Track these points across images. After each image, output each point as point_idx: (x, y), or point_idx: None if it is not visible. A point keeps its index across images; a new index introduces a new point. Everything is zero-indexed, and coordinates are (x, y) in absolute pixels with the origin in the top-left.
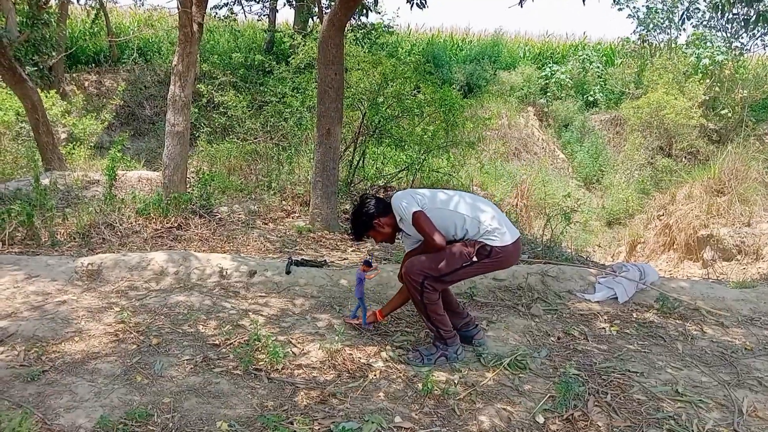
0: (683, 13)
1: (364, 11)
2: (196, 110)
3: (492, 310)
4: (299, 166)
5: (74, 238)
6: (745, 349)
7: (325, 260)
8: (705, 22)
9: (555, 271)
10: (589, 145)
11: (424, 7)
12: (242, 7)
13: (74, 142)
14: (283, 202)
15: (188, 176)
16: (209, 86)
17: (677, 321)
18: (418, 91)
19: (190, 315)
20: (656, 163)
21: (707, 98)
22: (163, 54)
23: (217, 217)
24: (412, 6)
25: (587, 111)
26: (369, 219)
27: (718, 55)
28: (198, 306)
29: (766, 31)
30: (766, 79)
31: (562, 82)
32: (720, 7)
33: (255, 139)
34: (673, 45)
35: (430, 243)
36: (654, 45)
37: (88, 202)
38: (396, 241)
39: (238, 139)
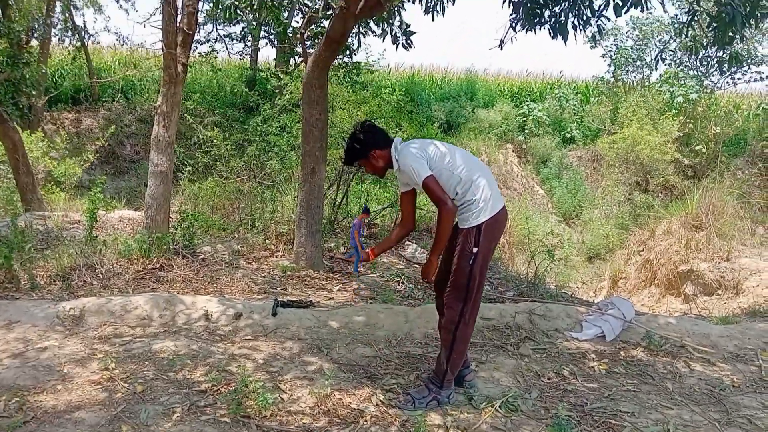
0: (657, 54)
1: (348, 52)
2: (182, 150)
3: (481, 350)
4: (283, 205)
5: (55, 281)
6: (733, 385)
7: (311, 300)
8: (677, 61)
9: (542, 309)
10: (568, 181)
11: (410, 48)
12: (225, 45)
13: (54, 183)
14: (267, 240)
15: (171, 216)
16: (193, 124)
17: (665, 358)
18: (400, 129)
19: (175, 361)
20: (634, 199)
21: (681, 134)
22: (144, 92)
23: (200, 257)
24: (397, 47)
25: (565, 147)
26: (365, 147)
27: (691, 93)
28: (184, 351)
29: (736, 69)
30: (737, 115)
31: (540, 120)
32: (694, 50)
33: (238, 177)
34: (646, 83)
35: (442, 209)
36: (627, 83)
37: (68, 243)
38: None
39: (221, 177)
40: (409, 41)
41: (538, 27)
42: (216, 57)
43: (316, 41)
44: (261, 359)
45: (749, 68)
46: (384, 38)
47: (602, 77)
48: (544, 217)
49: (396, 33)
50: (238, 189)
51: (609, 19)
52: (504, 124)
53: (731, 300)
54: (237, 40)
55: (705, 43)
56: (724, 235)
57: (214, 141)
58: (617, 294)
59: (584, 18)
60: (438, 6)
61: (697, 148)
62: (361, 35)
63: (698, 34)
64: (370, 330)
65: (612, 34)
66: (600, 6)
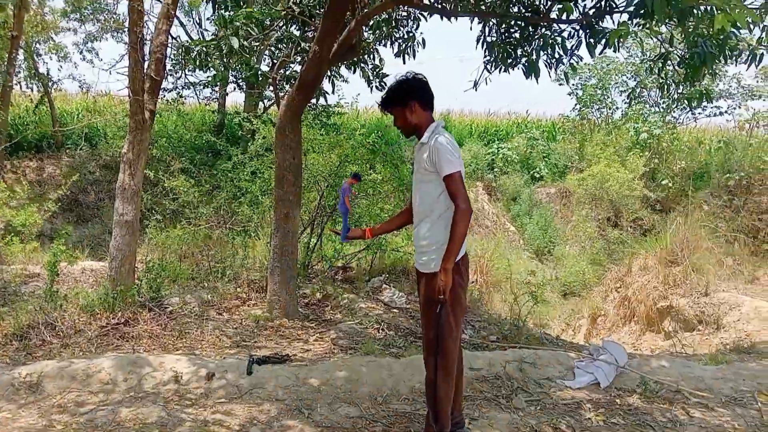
0: (630, 93)
1: (322, 96)
2: (148, 197)
3: (472, 404)
4: (254, 251)
5: (11, 341)
6: None
7: (287, 354)
8: (638, 99)
9: (532, 357)
10: (538, 218)
11: (383, 89)
12: (194, 90)
13: (13, 234)
14: (238, 289)
15: (136, 266)
16: (158, 172)
17: (662, 405)
18: (374, 171)
19: (143, 431)
20: (608, 235)
21: (648, 170)
22: (108, 139)
23: (167, 309)
24: (372, 89)
25: (534, 184)
26: (409, 95)
27: (655, 129)
28: (152, 419)
29: (706, 105)
30: (700, 149)
31: (509, 158)
32: (665, 87)
33: (208, 224)
34: (610, 120)
35: (462, 208)
36: (593, 121)
37: (27, 299)
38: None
39: (189, 224)
40: (382, 82)
41: (511, 67)
42: (183, 103)
43: (287, 86)
44: (236, 425)
45: (710, 103)
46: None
47: (568, 115)
48: (517, 254)
49: (369, 75)
50: (207, 236)
51: (581, 58)
52: (474, 162)
53: (712, 336)
54: (204, 85)
55: (677, 81)
56: (699, 270)
57: (182, 188)
58: (597, 331)
59: (557, 57)
60: (408, 49)
61: (664, 182)
62: (334, 78)
63: (671, 71)
64: (353, 386)
65: (577, 74)
66: (572, 46)
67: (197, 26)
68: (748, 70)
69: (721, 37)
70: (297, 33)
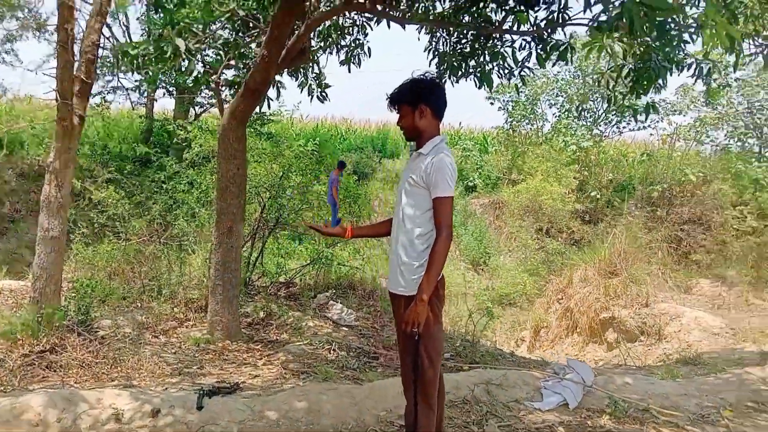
0: (579, 106)
1: (266, 102)
2: (73, 210)
3: None
4: (191, 268)
5: None
6: None
7: (237, 383)
8: (566, 113)
9: (498, 378)
10: (473, 228)
11: (325, 100)
12: (127, 94)
13: None
14: (175, 309)
15: (63, 286)
16: (83, 182)
17: (633, 425)
18: (318, 182)
19: None
20: (546, 246)
21: (577, 182)
22: (26, 146)
23: (98, 333)
24: (312, 99)
25: (468, 195)
26: (423, 96)
27: (583, 141)
28: None
29: (620, 119)
30: (624, 161)
31: None
32: (613, 99)
33: (139, 238)
34: (540, 133)
35: (445, 235)
36: (524, 134)
37: None
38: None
39: (119, 239)
40: (323, 93)
41: (463, 78)
42: (108, 108)
43: (229, 91)
44: None
45: (657, 114)
46: (302, 89)
47: (501, 127)
48: (455, 264)
49: (311, 85)
50: (139, 251)
51: (532, 70)
52: None
53: (655, 346)
54: (132, 90)
55: (624, 93)
56: (637, 281)
57: (110, 200)
58: (540, 343)
59: (508, 68)
60: (354, 58)
61: (592, 194)
62: (279, 85)
63: (621, 83)
64: (314, 418)
65: (507, 90)
66: (523, 57)
67: (124, 28)
68: (695, 83)
69: (668, 50)
70: (240, 36)
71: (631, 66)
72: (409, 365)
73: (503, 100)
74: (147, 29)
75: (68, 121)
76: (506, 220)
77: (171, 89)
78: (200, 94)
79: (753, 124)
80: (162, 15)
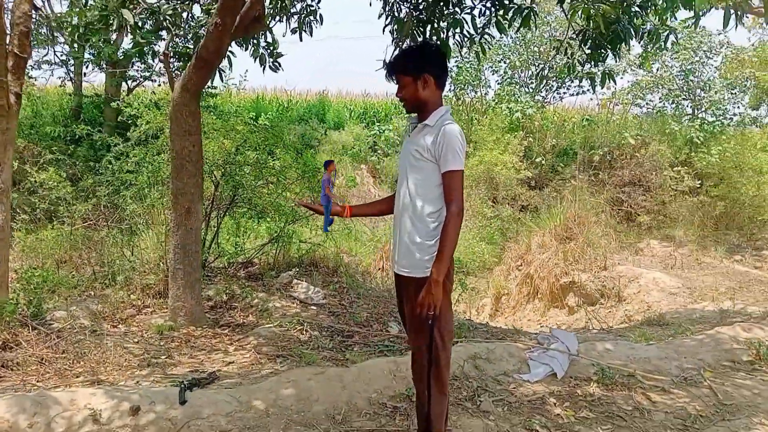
0: (538, 72)
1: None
2: (16, 195)
3: None
4: (145, 251)
5: None
6: (700, 415)
7: (214, 372)
8: (508, 79)
9: (484, 351)
10: None
11: (278, 70)
12: (65, 67)
13: None
14: (132, 296)
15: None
16: (25, 164)
17: (622, 392)
18: (273, 158)
19: None
20: (501, 214)
21: (522, 148)
22: None
23: (54, 326)
24: (264, 69)
25: None
26: (425, 65)
27: (527, 108)
28: None
29: (560, 84)
30: (565, 127)
31: (391, 140)
32: (572, 67)
33: (86, 223)
34: (484, 101)
35: (457, 211)
36: (468, 102)
37: None
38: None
39: (63, 224)
40: (276, 63)
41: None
42: (34, 85)
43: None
44: None
45: (613, 82)
46: (255, 59)
47: (446, 96)
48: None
49: (263, 54)
50: (87, 236)
51: (493, 37)
52: (357, 145)
53: (615, 308)
54: (59, 65)
55: (582, 62)
56: (593, 245)
57: (49, 183)
58: (502, 310)
59: (467, 35)
60: (305, 26)
61: (537, 160)
62: (231, 55)
63: (577, 51)
64: (304, 405)
65: (454, 56)
66: (483, 24)
67: None
68: (653, 48)
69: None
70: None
71: (590, 31)
72: (425, 351)
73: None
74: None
75: (4, 99)
76: None
77: (102, 63)
78: (132, 67)
79: (686, 86)
80: None
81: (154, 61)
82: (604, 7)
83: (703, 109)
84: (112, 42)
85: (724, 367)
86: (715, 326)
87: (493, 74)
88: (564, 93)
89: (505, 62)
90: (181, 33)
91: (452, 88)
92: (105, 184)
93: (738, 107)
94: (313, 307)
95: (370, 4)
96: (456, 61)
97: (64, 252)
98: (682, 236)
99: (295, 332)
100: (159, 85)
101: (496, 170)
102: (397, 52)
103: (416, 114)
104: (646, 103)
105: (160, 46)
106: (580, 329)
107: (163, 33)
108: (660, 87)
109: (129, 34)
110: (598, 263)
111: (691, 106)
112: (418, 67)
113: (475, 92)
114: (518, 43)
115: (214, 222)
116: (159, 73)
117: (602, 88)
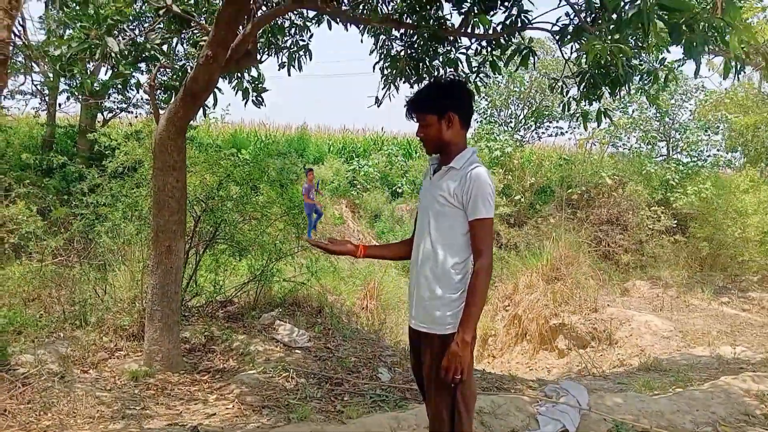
0: (534, 112)
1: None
2: None
3: None
4: (119, 289)
5: None
6: None
7: (195, 428)
8: (488, 118)
9: (489, 405)
10: (402, 234)
11: (261, 105)
12: (41, 96)
13: None
14: (104, 338)
15: None
16: None
17: None
18: (257, 193)
19: None
20: None
21: (502, 186)
22: None
23: (19, 372)
24: (246, 103)
25: (394, 201)
26: (451, 105)
27: (506, 147)
28: None
29: (539, 125)
30: (543, 165)
31: (370, 175)
32: (567, 105)
33: (56, 259)
34: None
35: (486, 261)
36: None
37: None
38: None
39: (32, 260)
40: (260, 98)
41: (417, 83)
42: (7, 115)
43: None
44: None
45: (609, 120)
46: (236, 92)
47: None
48: (387, 272)
49: (247, 88)
50: (58, 273)
51: (488, 76)
52: (336, 180)
53: (607, 352)
54: (33, 94)
55: (577, 99)
56: (580, 285)
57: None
58: (489, 352)
59: (463, 75)
60: (294, 61)
61: (516, 198)
62: (217, 90)
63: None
64: None
65: None
66: (479, 63)
67: (19, 27)
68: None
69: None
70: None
71: (586, 70)
72: (447, 419)
73: None
74: (62, 25)
75: None
76: None
77: (77, 93)
78: (109, 98)
79: (662, 128)
80: (79, 9)
81: (131, 93)
82: (624, 48)
83: (678, 150)
84: (90, 73)
85: (738, 421)
86: (717, 374)
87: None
88: (543, 133)
89: (486, 100)
90: (168, 64)
91: None
92: (79, 218)
93: (711, 149)
94: (297, 350)
95: (362, 41)
96: None
97: (32, 290)
98: (667, 277)
99: (280, 379)
100: (135, 117)
101: None
102: (387, 86)
103: (437, 155)
104: (623, 144)
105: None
106: (574, 374)
107: (143, 65)
108: (636, 128)
109: (111, 64)
110: (588, 305)
111: (666, 148)
112: (443, 105)
113: None
114: (497, 82)
115: (193, 259)
116: (135, 105)
117: (598, 126)
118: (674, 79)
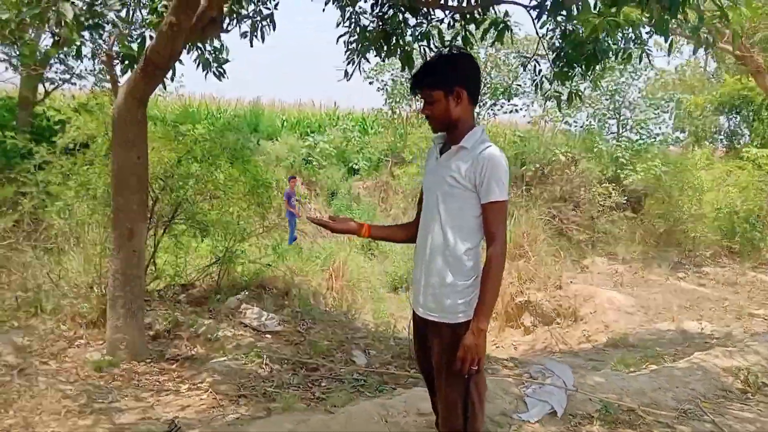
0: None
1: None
2: None
3: None
4: (77, 274)
5: None
6: None
7: (173, 422)
8: None
9: None
10: (360, 212)
11: (223, 77)
12: None
13: None
14: (62, 326)
15: None
16: None
17: (626, 430)
18: (218, 169)
19: None
20: None
21: None
22: None
23: None
24: (206, 75)
25: (351, 178)
26: (460, 80)
27: None
28: None
29: (494, 102)
30: (497, 143)
31: (326, 151)
32: (539, 85)
33: (5, 242)
34: (420, 116)
35: (499, 246)
36: (404, 116)
37: None
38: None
39: None
40: (220, 69)
41: (388, 57)
42: None
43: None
44: None
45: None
46: (199, 64)
47: (380, 109)
48: (344, 250)
49: (208, 59)
50: (6, 257)
51: (463, 49)
52: (291, 156)
53: (573, 328)
54: None
55: (551, 79)
56: (543, 262)
57: None
58: None
59: (435, 49)
60: (257, 31)
61: None
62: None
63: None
64: None
65: (388, 69)
66: (452, 38)
67: None
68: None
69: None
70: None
71: (560, 48)
72: (461, 411)
73: (381, 80)
74: None
75: None
76: (392, 202)
77: (15, 62)
78: (50, 68)
79: (612, 106)
80: None
81: (74, 63)
82: (621, 22)
83: (628, 128)
84: (29, 40)
85: (717, 397)
86: (684, 349)
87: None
88: (498, 110)
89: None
90: (126, 32)
91: (387, 101)
92: (27, 198)
93: (660, 128)
94: (268, 335)
95: (323, 10)
96: (391, 75)
97: None
98: (624, 253)
99: (253, 366)
100: (80, 89)
101: None
102: (373, 59)
103: (442, 134)
104: (575, 121)
105: (88, 47)
106: (543, 351)
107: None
108: (587, 106)
109: (61, 32)
110: (552, 282)
111: (616, 125)
112: (450, 80)
113: (410, 106)
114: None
115: (151, 241)
116: (80, 75)
117: (569, 107)
118: (648, 56)
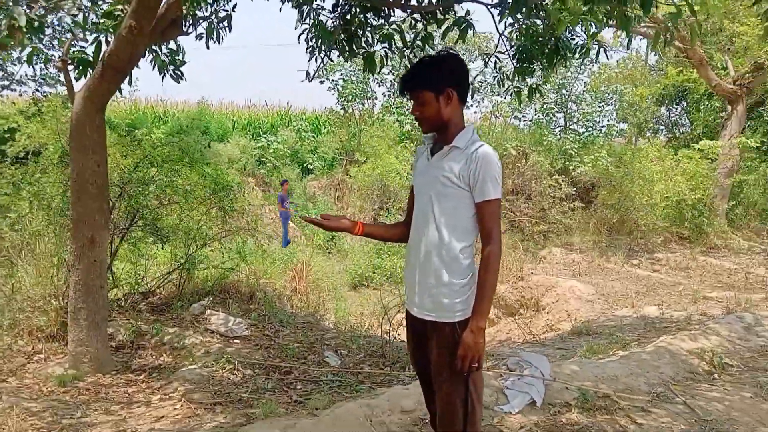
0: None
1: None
2: None
3: None
4: (34, 287)
5: None
6: None
7: None
8: (395, 92)
9: None
10: (316, 212)
11: (180, 80)
12: None
13: None
14: (19, 341)
15: None
16: None
17: (604, 416)
18: (179, 175)
19: None
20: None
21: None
22: None
23: None
24: (163, 78)
25: (305, 178)
26: (450, 80)
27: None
28: None
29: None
30: None
31: (279, 152)
32: (501, 80)
33: None
34: (372, 114)
35: (495, 246)
36: (357, 114)
37: None
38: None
39: None
40: (177, 71)
41: (350, 58)
42: None
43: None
44: None
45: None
46: (155, 66)
47: (332, 108)
48: (302, 250)
49: (165, 62)
50: None
51: (423, 50)
52: (243, 158)
53: (536, 318)
54: None
55: (512, 76)
56: (505, 253)
57: None
58: None
59: (397, 50)
60: (213, 33)
61: None
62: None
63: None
64: None
65: (338, 69)
66: (413, 37)
67: None
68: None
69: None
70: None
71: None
72: (461, 409)
73: (332, 80)
74: None
75: None
76: (348, 200)
77: None
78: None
79: (559, 100)
80: None
81: (13, 69)
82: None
83: (574, 121)
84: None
85: (686, 379)
86: (646, 334)
87: (379, 86)
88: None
89: (393, 75)
90: (81, 37)
91: (339, 100)
92: None
93: (604, 120)
94: (236, 340)
95: (280, 10)
96: (341, 74)
97: None
98: (579, 243)
99: (224, 372)
100: (20, 95)
101: (390, 177)
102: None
103: (432, 134)
104: (524, 116)
105: (23, 54)
106: (507, 341)
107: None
108: (536, 101)
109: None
110: (514, 273)
111: (563, 119)
112: (440, 81)
113: (362, 105)
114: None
115: (109, 249)
116: (20, 81)
117: (529, 103)
118: (605, 52)
